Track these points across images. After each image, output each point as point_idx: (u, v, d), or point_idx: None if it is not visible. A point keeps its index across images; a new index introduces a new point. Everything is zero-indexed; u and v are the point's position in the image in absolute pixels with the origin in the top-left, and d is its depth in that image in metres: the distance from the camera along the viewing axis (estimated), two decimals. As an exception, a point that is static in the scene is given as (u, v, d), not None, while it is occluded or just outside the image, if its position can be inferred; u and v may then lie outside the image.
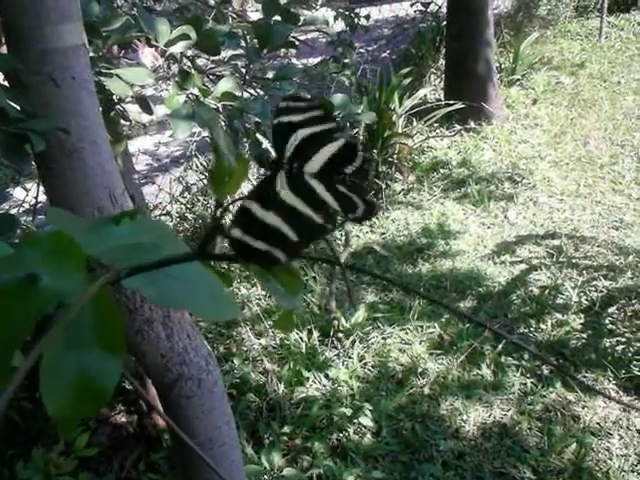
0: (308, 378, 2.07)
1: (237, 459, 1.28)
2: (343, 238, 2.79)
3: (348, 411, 1.93)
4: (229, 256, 0.35)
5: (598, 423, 1.89)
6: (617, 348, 2.12)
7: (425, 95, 4.06)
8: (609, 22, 5.33)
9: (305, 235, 0.34)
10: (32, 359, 0.27)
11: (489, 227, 2.95)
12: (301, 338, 2.19)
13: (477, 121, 3.92)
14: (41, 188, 1.53)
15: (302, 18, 1.45)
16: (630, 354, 2.09)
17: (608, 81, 4.48)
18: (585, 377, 2.03)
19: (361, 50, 4.49)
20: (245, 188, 1.07)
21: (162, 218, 2.87)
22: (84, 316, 0.30)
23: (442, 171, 3.48)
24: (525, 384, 2.03)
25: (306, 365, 2.11)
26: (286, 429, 1.88)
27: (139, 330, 1.02)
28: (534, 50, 4.81)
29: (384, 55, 4.97)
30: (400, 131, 3.47)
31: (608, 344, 2.14)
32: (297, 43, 1.45)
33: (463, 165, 3.49)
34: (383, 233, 2.95)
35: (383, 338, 2.24)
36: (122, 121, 1.39)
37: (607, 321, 2.25)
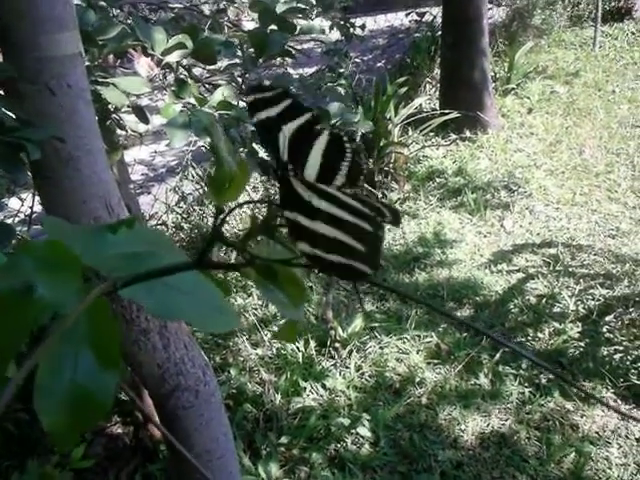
0: (305, 388, 2.05)
1: (235, 471, 1.27)
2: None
3: (346, 421, 1.92)
4: (230, 265, 0.34)
5: (597, 432, 1.88)
6: (615, 357, 2.12)
7: (421, 104, 4.06)
8: (603, 31, 5.36)
9: (369, 244, 0.33)
10: (25, 370, 0.26)
11: (485, 236, 2.95)
12: (298, 348, 2.18)
13: (473, 130, 3.92)
14: (36, 198, 1.53)
15: (298, 27, 1.45)
16: (628, 362, 2.09)
17: (603, 90, 4.49)
18: (583, 386, 2.02)
19: (357, 60, 4.49)
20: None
21: (158, 228, 2.86)
22: (79, 326, 0.29)
23: (438, 180, 3.48)
24: (523, 393, 2.02)
25: (303, 375, 2.10)
26: (283, 440, 1.87)
27: (135, 340, 1.02)
28: (529, 59, 4.83)
29: (379, 65, 4.98)
30: (396, 140, 3.47)
31: (606, 353, 2.14)
32: (294, 52, 1.45)
33: (459, 174, 3.50)
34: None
35: (380, 348, 2.23)
36: (118, 130, 1.38)
37: (604, 329, 2.25)
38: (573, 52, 5.26)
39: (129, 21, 1.34)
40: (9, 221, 2.12)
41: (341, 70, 2.52)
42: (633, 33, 5.46)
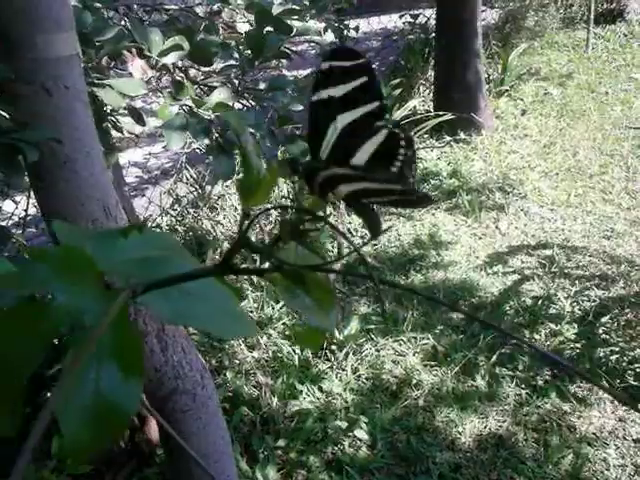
0: (302, 391, 2.05)
1: (232, 474, 1.27)
2: (335, 250, 2.78)
3: (343, 424, 1.91)
4: (256, 270, 0.33)
5: (594, 433, 1.88)
6: (611, 358, 2.12)
7: (415, 106, 4.07)
8: (596, 33, 5.37)
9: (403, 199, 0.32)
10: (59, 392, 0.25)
11: (480, 237, 2.95)
12: (294, 350, 2.18)
13: (467, 132, 3.92)
14: (31, 201, 1.52)
15: (294, 29, 1.44)
16: (624, 363, 2.09)
17: (596, 92, 4.50)
18: (580, 387, 2.02)
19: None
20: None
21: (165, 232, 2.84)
22: (103, 335, 0.28)
23: (432, 182, 3.48)
24: (520, 395, 2.02)
25: (299, 378, 2.09)
26: (280, 443, 1.86)
27: (133, 344, 1.01)
28: (522, 61, 4.84)
29: (373, 67, 4.97)
30: (390, 142, 3.46)
31: (602, 354, 2.14)
32: (290, 54, 1.44)
33: (453, 176, 3.50)
34: (375, 244, 2.94)
35: (377, 350, 2.23)
36: (113, 132, 1.37)
37: (601, 331, 2.25)
38: (566, 54, 5.27)
39: (123, 23, 1.33)
40: (3, 224, 2.11)
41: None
42: (625, 35, 5.48)
